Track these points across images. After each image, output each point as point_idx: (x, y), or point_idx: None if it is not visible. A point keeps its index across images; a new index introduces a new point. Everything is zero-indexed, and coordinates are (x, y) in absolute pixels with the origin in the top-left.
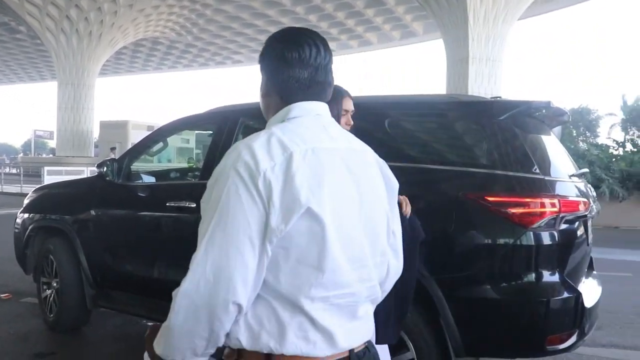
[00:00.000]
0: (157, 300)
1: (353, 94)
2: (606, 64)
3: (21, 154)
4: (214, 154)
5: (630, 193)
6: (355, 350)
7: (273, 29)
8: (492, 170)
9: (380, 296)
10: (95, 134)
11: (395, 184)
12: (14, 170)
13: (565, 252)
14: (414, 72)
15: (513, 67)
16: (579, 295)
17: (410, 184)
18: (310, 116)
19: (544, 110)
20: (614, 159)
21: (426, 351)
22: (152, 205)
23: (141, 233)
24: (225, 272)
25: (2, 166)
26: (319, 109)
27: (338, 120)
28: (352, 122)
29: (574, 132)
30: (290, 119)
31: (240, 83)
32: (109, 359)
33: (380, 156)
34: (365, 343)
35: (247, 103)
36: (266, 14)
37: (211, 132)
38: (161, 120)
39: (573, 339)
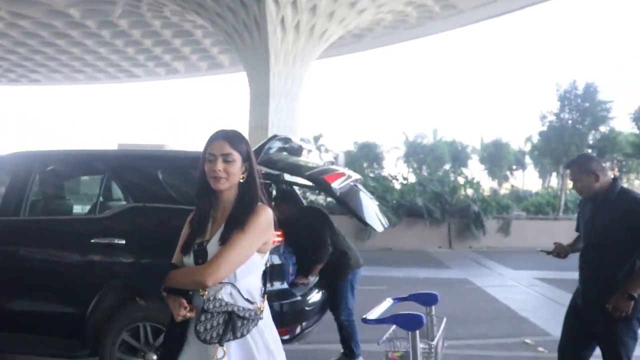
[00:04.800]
0: None
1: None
2: (394, 103)
3: None
4: (13, 192)
5: (400, 219)
6: None
7: (76, 50)
8: None
9: None
10: None
11: None
12: None
13: (287, 269)
14: (222, 102)
15: (312, 103)
16: (299, 301)
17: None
18: None
19: None
20: (390, 190)
21: None
22: None
23: None
24: None
25: None
26: None
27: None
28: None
29: (365, 163)
30: None
31: (37, 104)
32: None
33: (156, 200)
34: None
35: (43, 150)
36: (68, 34)
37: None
38: None
39: (295, 331)
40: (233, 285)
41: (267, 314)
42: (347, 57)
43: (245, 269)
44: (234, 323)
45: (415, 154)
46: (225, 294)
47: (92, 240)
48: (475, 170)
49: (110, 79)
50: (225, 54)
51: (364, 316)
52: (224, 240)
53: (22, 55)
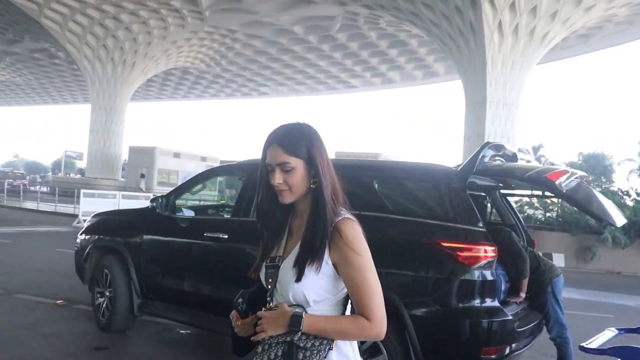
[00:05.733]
0: (193, 310)
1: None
2: (628, 110)
3: (50, 173)
4: (244, 196)
5: (632, 240)
6: None
7: (299, 64)
8: (447, 222)
9: None
10: (123, 157)
11: None
12: (44, 189)
13: (499, 286)
14: (436, 111)
15: (531, 110)
16: (510, 320)
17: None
18: None
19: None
20: (621, 207)
21: (394, 355)
22: (192, 234)
23: (183, 256)
24: None
25: (38, 185)
26: None
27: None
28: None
29: (591, 177)
30: None
31: (265, 114)
32: (151, 355)
33: (370, 209)
34: None
35: None
36: (292, 49)
37: (242, 178)
38: (185, 147)
39: (503, 352)
40: (304, 309)
41: (344, 343)
42: (572, 60)
43: (322, 292)
44: (291, 355)
45: None
46: None
47: None
48: None
49: (329, 90)
50: (440, 62)
51: (582, 344)
52: (297, 264)
53: (254, 71)
